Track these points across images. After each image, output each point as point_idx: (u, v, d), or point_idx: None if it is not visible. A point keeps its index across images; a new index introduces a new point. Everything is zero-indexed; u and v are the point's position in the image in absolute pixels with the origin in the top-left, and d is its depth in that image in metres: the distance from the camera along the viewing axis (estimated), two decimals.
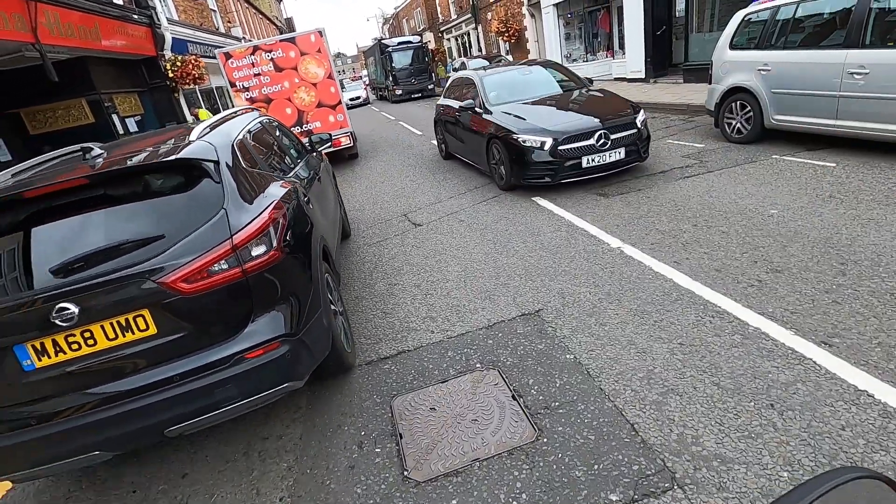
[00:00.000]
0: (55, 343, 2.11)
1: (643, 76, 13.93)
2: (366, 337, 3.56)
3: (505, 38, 22.27)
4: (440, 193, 7.00)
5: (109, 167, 2.34)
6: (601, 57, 17.34)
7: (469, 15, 27.97)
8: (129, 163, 2.37)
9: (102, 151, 2.59)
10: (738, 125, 6.61)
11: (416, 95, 25.83)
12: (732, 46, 6.59)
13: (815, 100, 5.49)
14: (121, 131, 11.24)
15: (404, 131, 14.46)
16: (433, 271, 4.40)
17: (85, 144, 2.67)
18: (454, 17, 31.58)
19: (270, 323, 2.37)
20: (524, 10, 20.92)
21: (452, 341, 3.29)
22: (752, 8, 6.40)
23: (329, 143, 5.65)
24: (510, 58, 20.17)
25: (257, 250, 2.30)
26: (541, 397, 2.62)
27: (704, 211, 4.59)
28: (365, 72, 40.58)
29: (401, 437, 2.54)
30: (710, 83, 7.02)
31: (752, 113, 6.36)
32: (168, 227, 2.24)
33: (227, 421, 2.48)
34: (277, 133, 4.18)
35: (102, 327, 2.13)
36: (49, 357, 2.13)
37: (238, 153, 2.74)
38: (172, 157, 2.39)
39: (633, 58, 14.14)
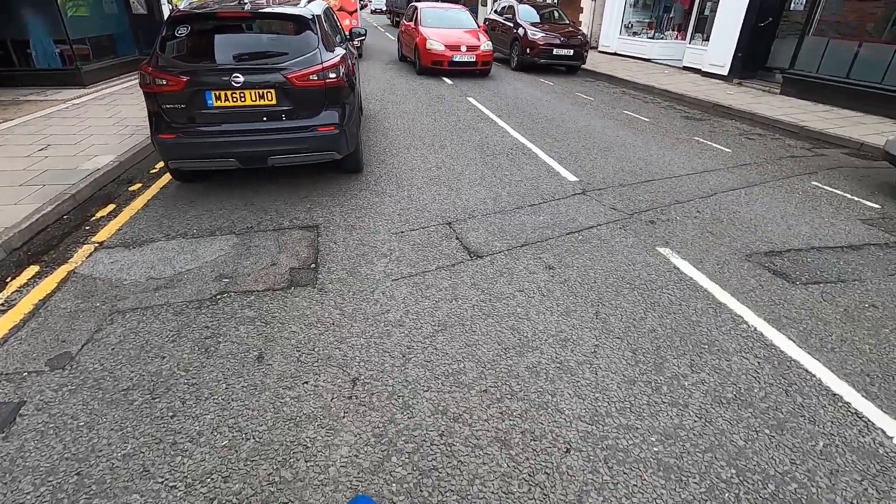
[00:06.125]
0: (226, 95, 3.89)
1: (725, 73, 11.58)
2: None
3: None
4: (499, 192, 4.74)
5: (259, 10, 4.20)
6: (670, 37, 14.75)
7: None
8: (270, 11, 4.27)
9: (250, 3, 4.31)
10: None
11: None
12: None
13: None
14: None
15: (433, 79, 11.72)
16: (528, 401, 2.28)
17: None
18: None
19: (331, 115, 4.23)
20: None
21: None
22: None
23: (363, 37, 7.20)
24: (558, 13, 17.14)
25: (331, 74, 4.10)
26: None
27: None
28: None
29: None
30: None
31: None
32: (290, 50, 4.09)
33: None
34: (335, 19, 5.89)
35: (251, 93, 3.92)
36: (221, 101, 3.91)
37: (322, 20, 4.56)
38: (294, 13, 4.23)
39: (719, 47, 11.68)
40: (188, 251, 3.55)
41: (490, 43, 11.71)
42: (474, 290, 3.17)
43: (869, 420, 2.25)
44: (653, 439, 2.12)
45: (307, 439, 2.08)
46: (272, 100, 3.98)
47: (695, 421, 2.22)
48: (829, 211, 4.66)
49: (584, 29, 18.39)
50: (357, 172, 5.13)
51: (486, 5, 23.80)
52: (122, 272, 3.28)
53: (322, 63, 4.05)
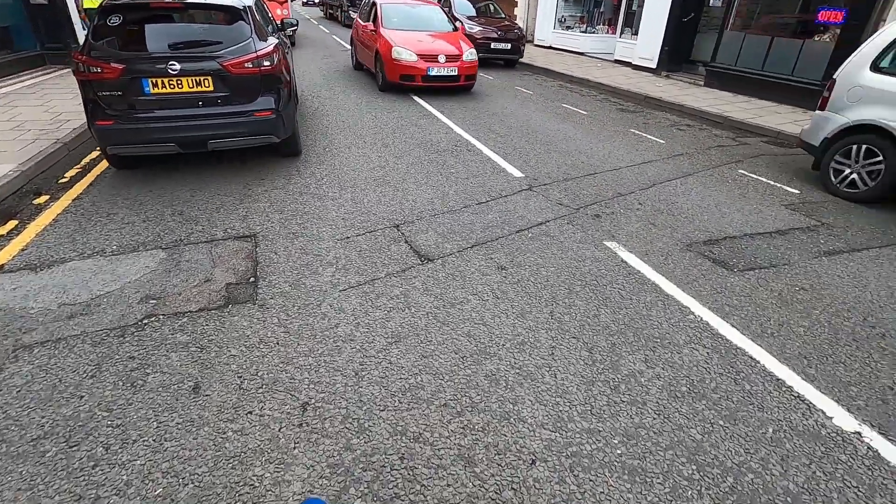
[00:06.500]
0: (163, 83, 4.04)
1: (654, 66, 12.09)
2: None
3: None
4: (446, 191, 4.65)
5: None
6: (601, 31, 15.22)
7: None
8: (202, 1, 4.37)
9: None
10: (855, 177, 4.96)
11: None
12: (877, 69, 4.80)
13: None
14: None
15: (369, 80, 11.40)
16: (490, 412, 2.21)
17: None
18: None
19: (268, 100, 4.45)
20: None
21: None
22: None
23: (295, 27, 7.00)
24: (494, 6, 17.26)
25: (266, 62, 4.34)
26: None
27: None
28: None
29: None
30: (821, 109, 5.25)
31: (882, 165, 4.71)
32: (224, 39, 4.26)
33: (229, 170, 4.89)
34: (265, 9, 6.16)
35: (188, 80, 4.09)
36: (158, 88, 4.05)
37: (254, 10, 4.74)
38: (226, 3, 4.37)
39: (647, 42, 12.19)
40: (107, 271, 3.20)
41: (474, 51, 9.08)
42: (427, 297, 3.06)
43: (810, 402, 2.36)
44: (615, 441, 2.11)
45: (254, 478, 1.90)
46: (209, 86, 4.18)
47: (654, 418, 2.23)
48: (756, 198, 4.93)
49: (520, 23, 18.61)
50: (296, 156, 5.36)
51: None
52: (27, 299, 2.90)
53: (256, 51, 4.30)
